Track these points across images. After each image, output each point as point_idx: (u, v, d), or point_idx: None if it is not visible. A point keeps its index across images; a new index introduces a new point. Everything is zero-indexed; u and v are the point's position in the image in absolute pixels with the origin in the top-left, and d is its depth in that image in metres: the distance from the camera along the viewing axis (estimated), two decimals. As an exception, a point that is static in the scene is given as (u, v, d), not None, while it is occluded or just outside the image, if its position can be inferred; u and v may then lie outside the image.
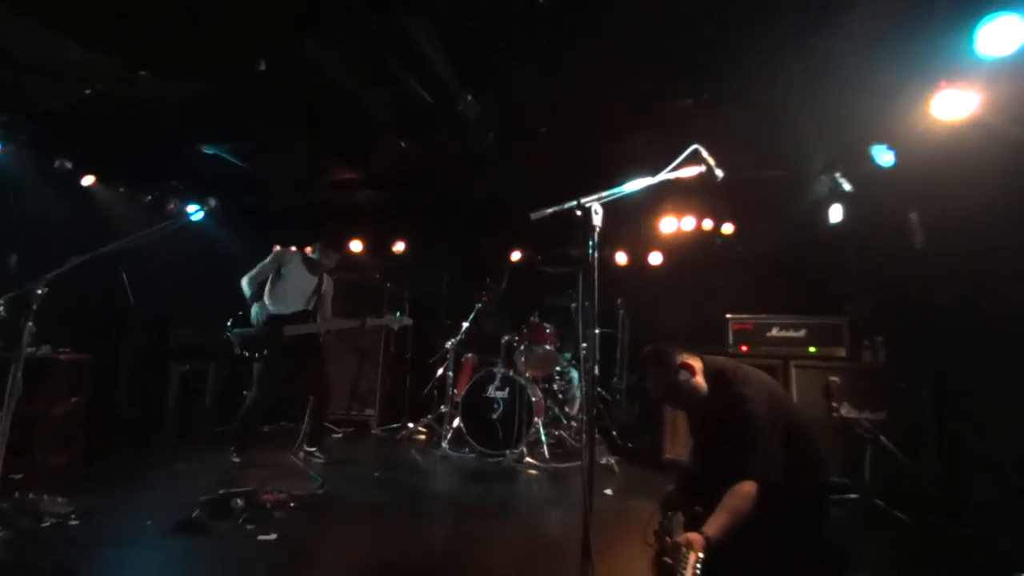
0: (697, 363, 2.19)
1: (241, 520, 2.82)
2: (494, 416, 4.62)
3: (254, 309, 4.06)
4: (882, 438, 3.45)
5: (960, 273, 3.45)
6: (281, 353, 4.03)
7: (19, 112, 4.21)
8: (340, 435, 5.43)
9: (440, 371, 5.50)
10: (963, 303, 3.42)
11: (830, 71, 3.25)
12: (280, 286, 4.17)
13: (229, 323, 4.12)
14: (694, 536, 1.82)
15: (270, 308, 4.10)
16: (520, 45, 3.42)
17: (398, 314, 4.57)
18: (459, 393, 4.94)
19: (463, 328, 5.26)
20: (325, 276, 4.42)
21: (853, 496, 3.44)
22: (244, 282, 4.13)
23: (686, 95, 3.80)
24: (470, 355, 5.44)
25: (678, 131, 3.70)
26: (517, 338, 5.04)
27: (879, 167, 3.83)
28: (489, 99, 4.06)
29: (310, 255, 4.33)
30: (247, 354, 4.03)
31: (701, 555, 1.75)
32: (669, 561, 1.88)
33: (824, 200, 4.66)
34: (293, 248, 4.45)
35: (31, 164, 4.53)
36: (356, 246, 6.75)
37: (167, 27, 3.22)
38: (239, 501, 2.95)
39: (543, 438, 4.56)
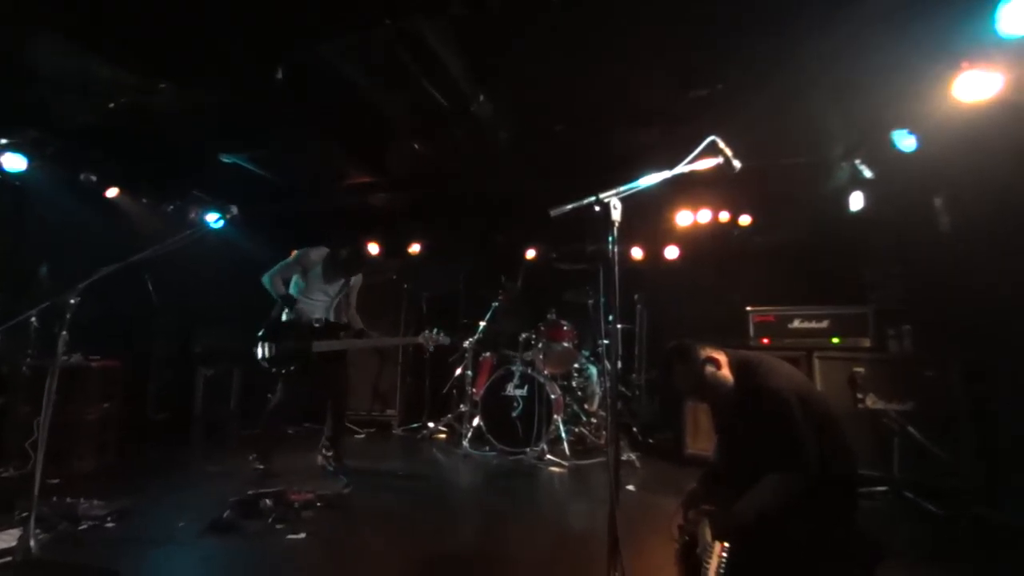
0: (722, 356, 2.16)
1: (271, 520, 2.88)
2: (514, 414, 4.63)
3: (285, 312, 3.99)
4: (910, 429, 3.39)
5: (989, 256, 3.37)
6: (306, 368, 3.96)
7: (45, 127, 4.34)
8: (363, 436, 5.50)
9: (459, 370, 5.54)
10: (994, 287, 3.33)
11: (848, 55, 3.19)
12: (306, 287, 4.09)
13: (260, 333, 4.01)
14: (718, 511, 1.85)
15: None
16: (532, 42, 3.42)
17: (436, 331, 4.20)
18: (478, 392, 4.97)
19: (481, 327, 5.28)
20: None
21: (882, 488, 3.39)
22: (266, 280, 4.01)
23: (702, 84, 3.76)
24: (488, 354, 5.46)
25: (694, 121, 3.67)
26: (535, 336, 5.05)
27: (901, 152, 3.76)
28: (502, 97, 4.07)
29: (337, 259, 4.16)
30: (274, 369, 3.97)
31: (727, 544, 1.75)
32: (693, 534, 1.91)
33: (844, 187, 4.58)
34: (318, 249, 4.20)
35: (58, 178, 4.66)
36: (373, 248, 6.81)
37: (187, 38, 3.29)
38: (268, 501, 3.01)
39: (563, 435, 4.57)
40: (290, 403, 4.13)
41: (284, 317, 4.01)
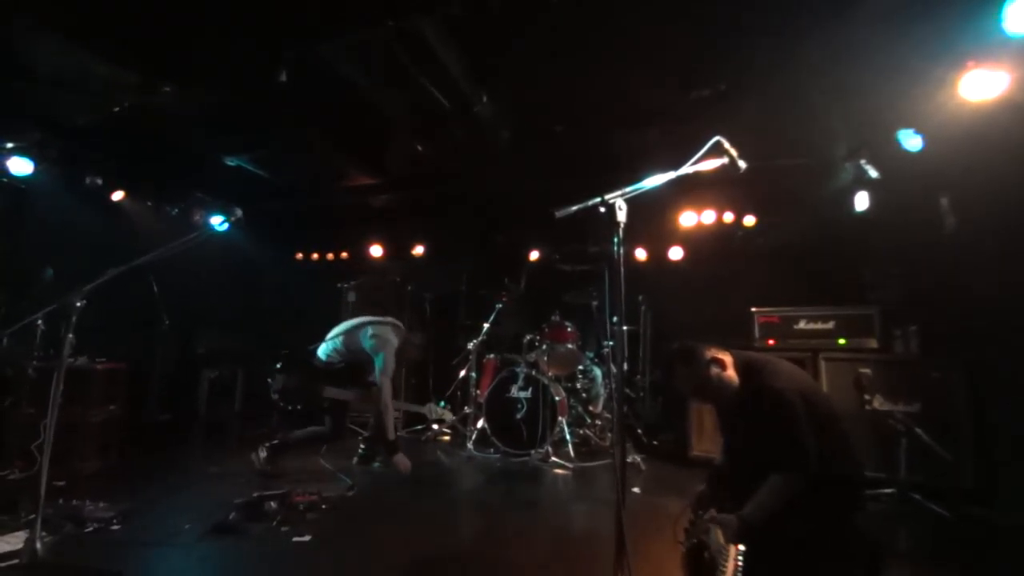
0: (727, 357, 2.16)
1: (275, 522, 2.88)
2: (518, 416, 4.62)
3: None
4: (917, 430, 3.36)
5: (994, 257, 3.35)
6: (316, 404, 4.09)
7: (49, 130, 4.35)
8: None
9: (463, 372, 5.52)
10: (998, 288, 3.31)
11: (853, 54, 3.18)
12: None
13: (278, 366, 4.09)
14: (727, 517, 1.86)
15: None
16: (532, 42, 3.42)
17: (442, 404, 4.39)
18: (482, 394, 4.96)
19: (484, 328, 5.27)
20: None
21: (889, 490, 3.37)
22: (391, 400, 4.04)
23: (703, 84, 3.75)
24: (492, 356, 5.45)
25: (695, 122, 3.65)
26: (538, 337, 5.04)
27: (906, 152, 3.73)
28: (502, 97, 4.06)
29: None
30: (282, 404, 4.06)
31: (742, 547, 1.75)
32: (702, 538, 1.92)
33: (849, 187, 4.56)
34: (398, 331, 4.35)
35: (63, 181, 4.68)
36: (376, 250, 6.83)
37: (187, 38, 3.30)
38: (273, 503, 3.01)
39: (568, 437, 4.56)
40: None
41: (324, 357, 4.10)
